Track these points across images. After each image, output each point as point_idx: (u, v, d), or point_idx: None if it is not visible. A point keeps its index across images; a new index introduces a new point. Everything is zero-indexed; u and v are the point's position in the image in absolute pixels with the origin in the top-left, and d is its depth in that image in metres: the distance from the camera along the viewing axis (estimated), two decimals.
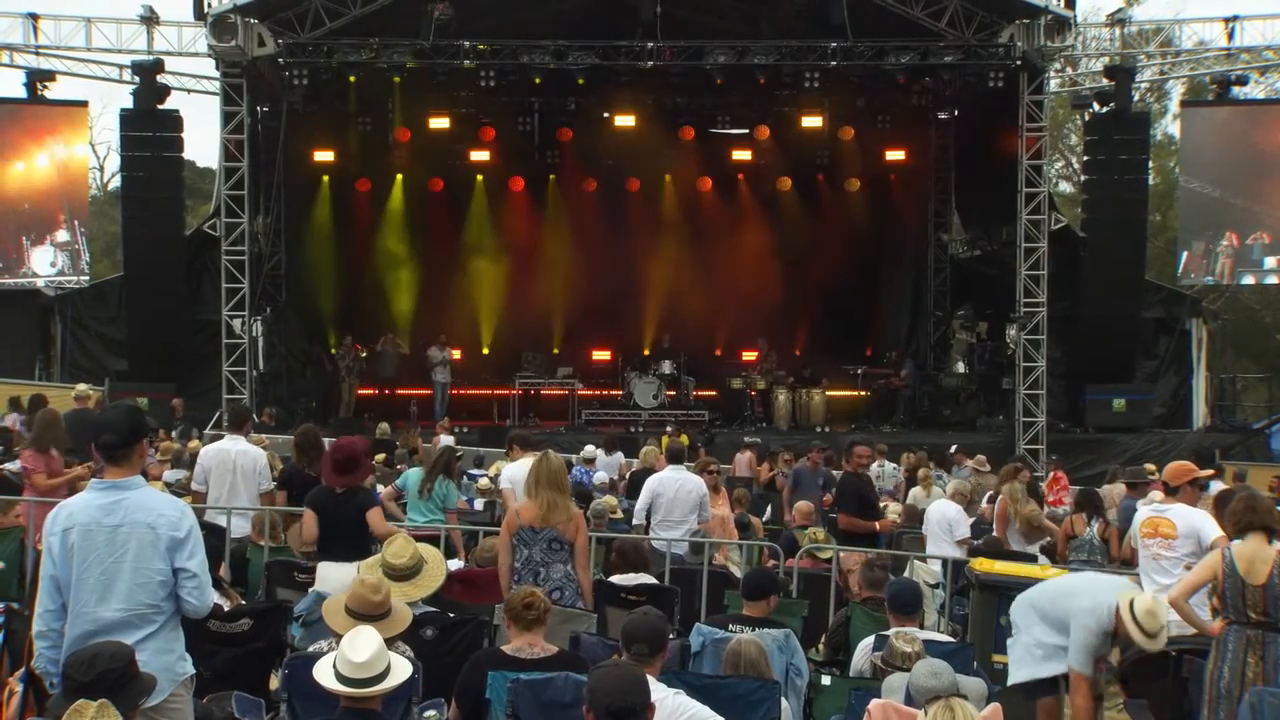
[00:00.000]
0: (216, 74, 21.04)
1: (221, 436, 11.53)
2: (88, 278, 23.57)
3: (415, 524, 9.41)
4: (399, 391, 23.39)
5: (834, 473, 15.32)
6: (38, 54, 23.06)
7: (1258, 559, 6.33)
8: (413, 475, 10.13)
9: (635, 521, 10.34)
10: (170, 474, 12.09)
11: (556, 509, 7.03)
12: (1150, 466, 12.92)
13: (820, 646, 7.66)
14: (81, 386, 15.50)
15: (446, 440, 16.17)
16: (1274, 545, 6.37)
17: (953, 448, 17.62)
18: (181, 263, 21.19)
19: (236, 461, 9.57)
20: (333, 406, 22.64)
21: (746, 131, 24.77)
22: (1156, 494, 9.23)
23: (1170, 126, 35.47)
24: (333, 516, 7.79)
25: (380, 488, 10.86)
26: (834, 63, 20.21)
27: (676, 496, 10.16)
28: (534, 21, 21.46)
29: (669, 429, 20.30)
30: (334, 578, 7.11)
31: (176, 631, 4.97)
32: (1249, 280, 25.39)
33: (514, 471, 10.44)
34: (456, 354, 23.49)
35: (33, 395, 15.10)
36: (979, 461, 15.43)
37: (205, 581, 4.93)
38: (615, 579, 7.62)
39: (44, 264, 23.27)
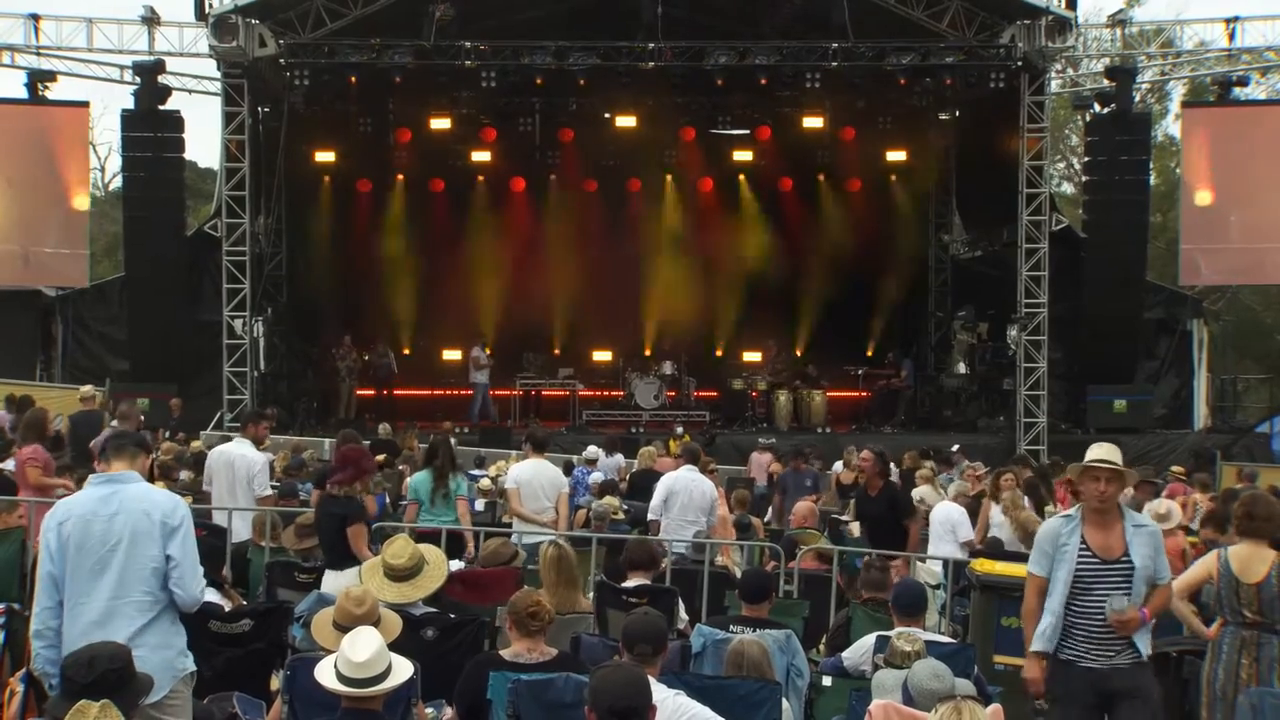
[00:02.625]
0: (217, 74, 21.02)
1: (229, 438, 11.64)
2: (89, 278, 23.54)
3: (429, 523, 9.31)
4: (396, 393, 23.43)
5: (825, 473, 15.29)
6: (39, 54, 23.01)
7: (1255, 559, 6.32)
8: (421, 481, 9.73)
9: (651, 518, 10.33)
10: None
11: (564, 604, 6.88)
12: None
13: (821, 647, 7.64)
14: (86, 388, 15.46)
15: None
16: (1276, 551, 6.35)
17: (955, 447, 17.60)
18: (183, 263, 21.21)
19: (234, 464, 9.73)
20: (333, 407, 22.66)
21: (747, 132, 24.72)
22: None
23: (1171, 127, 35.49)
24: (322, 523, 7.98)
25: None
26: (835, 63, 20.22)
27: (690, 498, 10.18)
28: (535, 22, 21.45)
29: (679, 430, 20.27)
30: (334, 585, 7.14)
31: (176, 626, 4.99)
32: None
33: (518, 471, 10.47)
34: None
35: (20, 395, 15.10)
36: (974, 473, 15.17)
37: (191, 571, 4.96)
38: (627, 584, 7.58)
39: None
